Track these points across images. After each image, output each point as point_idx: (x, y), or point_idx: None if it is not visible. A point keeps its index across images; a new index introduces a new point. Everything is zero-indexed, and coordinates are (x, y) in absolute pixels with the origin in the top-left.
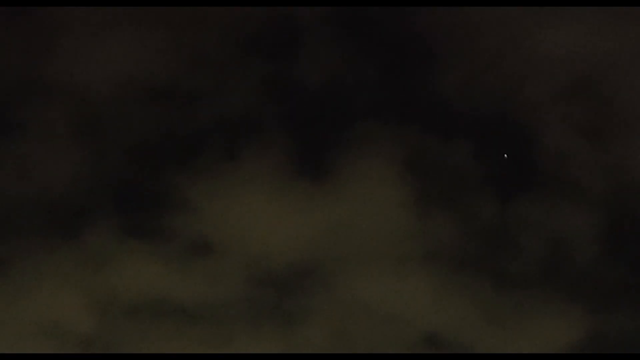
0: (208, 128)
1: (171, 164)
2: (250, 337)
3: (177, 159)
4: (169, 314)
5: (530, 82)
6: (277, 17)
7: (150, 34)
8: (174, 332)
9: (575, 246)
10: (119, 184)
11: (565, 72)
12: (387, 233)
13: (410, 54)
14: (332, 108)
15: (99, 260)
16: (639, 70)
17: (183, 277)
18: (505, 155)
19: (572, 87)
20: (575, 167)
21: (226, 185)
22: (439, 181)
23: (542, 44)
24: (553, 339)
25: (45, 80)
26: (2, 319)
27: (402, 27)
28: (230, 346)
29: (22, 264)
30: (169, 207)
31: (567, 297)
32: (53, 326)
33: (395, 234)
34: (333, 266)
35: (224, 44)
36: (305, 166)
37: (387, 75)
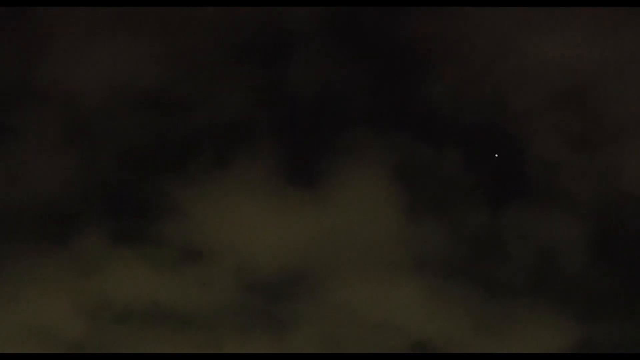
0: (199, 134)
1: (162, 170)
2: (240, 343)
3: (169, 165)
4: (159, 319)
5: (520, 90)
6: (269, 24)
7: (143, 39)
8: (164, 338)
9: (565, 254)
10: (110, 189)
11: (556, 81)
12: (377, 240)
13: (401, 62)
14: (324, 115)
15: (89, 266)
16: (629, 80)
17: (173, 283)
18: (496, 155)
19: (562, 96)
20: (565, 176)
21: (217, 191)
22: (429, 189)
23: (532, 53)
24: (542, 346)
25: (36, 85)
26: None
27: (393, 35)
28: (220, 352)
29: (12, 269)
30: (159, 213)
31: (556, 305)
32: (43, 332)
33: (385, 241)
34: (323, 273)
35: (216, 50)
36: (296, 173)
37: (378, 83)
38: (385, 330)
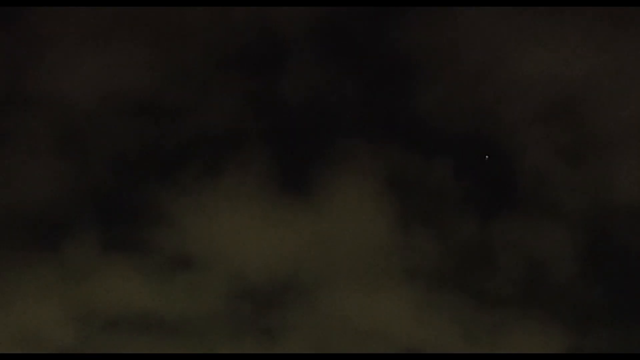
0: (191, 142)
1: (153, 178)
2: (231, 350)
3: (160, 173)
4: (149, 327)
5: (511, 102)
6: (262, 33)
7: (135, 48)
8: (153, 345)
9: (554, 265)
10: (101, 197)
11: (545, 93)
12: (367, 249)
13: (392, 72)
14: (315, 125)
15: (80, 273)
16: (617, 92)
17: (164, 290)
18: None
19: (551, 108)
20: (554, 187)
21: (208, 200)
22: (419, 198)
23: (523, 65)
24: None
25: (28, 92)
26: None
27: (385, 46)
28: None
29: (2, 275)
30: (150, 221)
31: (545, 315)
32: (32, 338)
33: (375, 250)
34: (314, 281)
35: (208, 59)
36: (287, 182)
37: (370, 93)
38: (375, 339)
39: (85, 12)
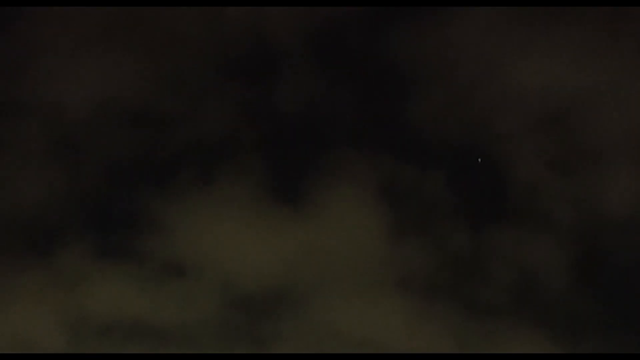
0: (184, 150)
1: (146, 186)
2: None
3: (153, 181)
4: (141, 334)
5: (503, 114)
6: (255, 42)
7: (128, 55)
8: (145, 353)
9: (545, 276)
10: (94, 203)
11: (538, 105)
12: (360, 259)
13: (386, 83)
14: (308, 135)
15: (72, 280)
16: (610, 106)
17: (156, 298)
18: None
19: (544, 121)
20: (546, 199)
21: (201, 208)
22: (412, 209)
23: (515, 78)
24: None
25: (21, 100)
26: None
27: (378, 57)
28: None
29: None
30: (143, 229)
31: (537, 326)
32: (24, 344)
33: (368, 260)
34: (306, 290)
35: (202, 67)
36: (280, 191)
37: (363, 104)
38: (368, 348)
39: (80, 18)
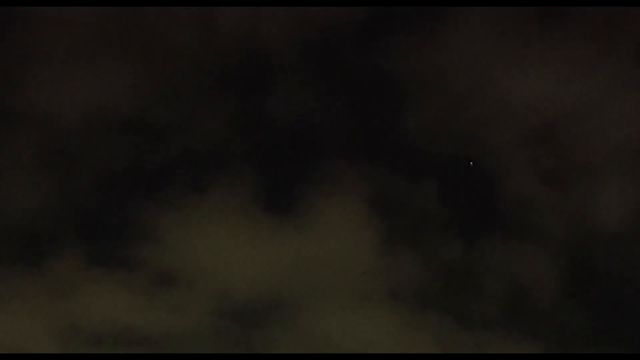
0: (177, 160)
1: (138, 195)
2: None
3: (145, 190)
4: (133, 343)
5: (495, 127)
6: (249, 55)
7: (122, 65)
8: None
9: (536, 289)
10: (86, 213)
11: (529, 118)
12: (351, 270)
13: (378, 95)
14: (301, 145)
15: (64, 288)
16: (600, 119)
17: (147, 307)
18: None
19: (535, 134)
20: (537, 212)
21: (193, 217)
22: (403, 221)
23: (507, 91)
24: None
25: (15, 108)
26: None
27: (372, 69)
28: None
29: None
30: (135, 238)
31: (527, 338)
32: (14, 351)
33: (359, 271)
34: (297, 301)
35: (195, 78)
36: (272, 201)
37: (356, 115)
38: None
39: (74, 28)
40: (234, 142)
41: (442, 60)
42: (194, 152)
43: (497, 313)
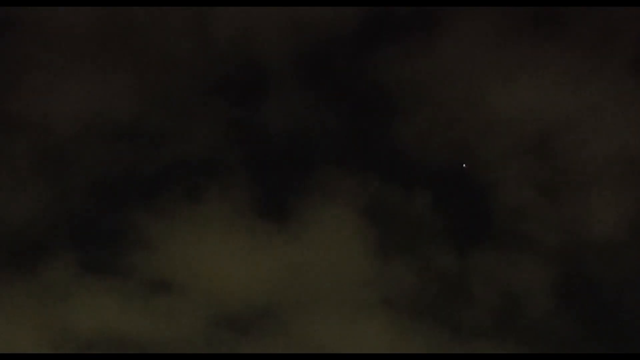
0: (171, 168)
1: (132, 202)
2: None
3: (139, 198)
4: (126, 351)
5: (488, 137)
6: (244, 63)
7: (117, 73)
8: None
9: (529, 298)
10: (80, 219)
11: (522, 129)
12: (345, 278)
13: (373, 104)
14: (295, 154)
15: (56, 295)
16: (593, 129)
17: (141, 314)
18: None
19: (528, 144)
20: (530, 222)
21: (187, 225)
22: (397, 230)
23: (501, 101)
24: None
25: (9, 115)
26: None
27: (366, 79)
28: None
29: None
30: (129, 245)
31: (520, 347)
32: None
33: (353, 279)
34: (291, 309)
35: (190, 85)
36: (266, 210)
37: (350, 124)
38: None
39: (69, 35)
40: (229, 150)
41: (436, 71)
42: (188, 159)
43: (490, 322)
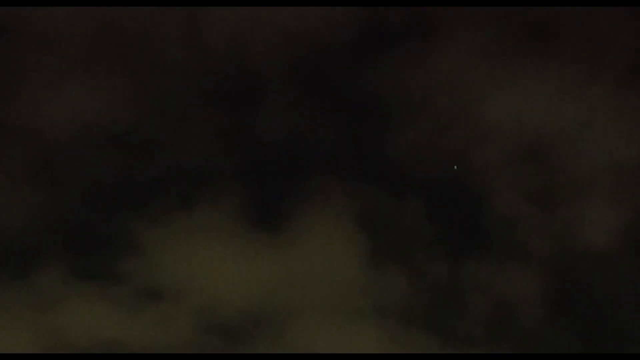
0: (164, 175)
1: (125, 209)
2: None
3: (132, 205)
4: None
5: (481, 147)
6: (239, 71)
7: (110, 81)
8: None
9: (521, 308)
10: (73, 226)
11: (515, 138)
12: (337, 286)
13: (366, 114)
14: (289, 162)
15: (48, 302)
16: (586, 140)
17: (133, 321)
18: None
19: (521, 154)
20: (523, 231)
21: (180, 232)
22: (390, 238)
23: (493, 111)
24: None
25: (2, 122)
26: None
27: (359, 88)
28: None
29: None
30: (121, 252)
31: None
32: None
33: (346, 288)
34: (283, 317)
35: (184, 93)
36: (259, 218)
37: (343, 133)
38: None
39: (63, 43)
40: (222, 158)
41: (430, 80)
42: (182, 167)
43: (483, 331)
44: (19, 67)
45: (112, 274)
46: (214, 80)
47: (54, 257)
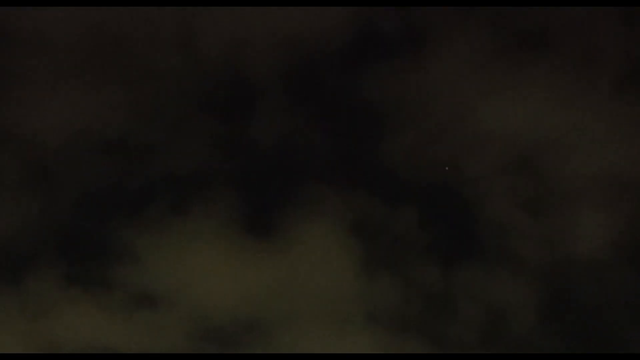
0: (158, 182)
1: (119, 215)
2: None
3: (125, 211)
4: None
5: (475, 154)
6: (233, 77)
7: (104, 87)
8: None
9: (513, 315)
10: (66, 232)
11: (508, 147)
12: (331, 293)
13: (361, 121)
14: (282, 170)
15: (41, 308)
16: (578, 148)
17: (126, 328)
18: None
19: (514, 162)
20: (515, 239)
21: (173, 239)
22: (383, 246)
23: (487, 119)
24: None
25: None
26: None
27: (354, 95)
28: None
29: None
30: (114, 258)
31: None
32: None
33: (339, 295)
34: (276, 324)
35: (178, 100)
36: (252, 224)
37: (338, 140)
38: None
39: (56, 49)
40: (216, 165)
41: (423, 88)
42: (175, 173)
43: (475, 338)
44: (12, 73)
45: (105, 280)
46: (208, 87)
47: (47, 263)
